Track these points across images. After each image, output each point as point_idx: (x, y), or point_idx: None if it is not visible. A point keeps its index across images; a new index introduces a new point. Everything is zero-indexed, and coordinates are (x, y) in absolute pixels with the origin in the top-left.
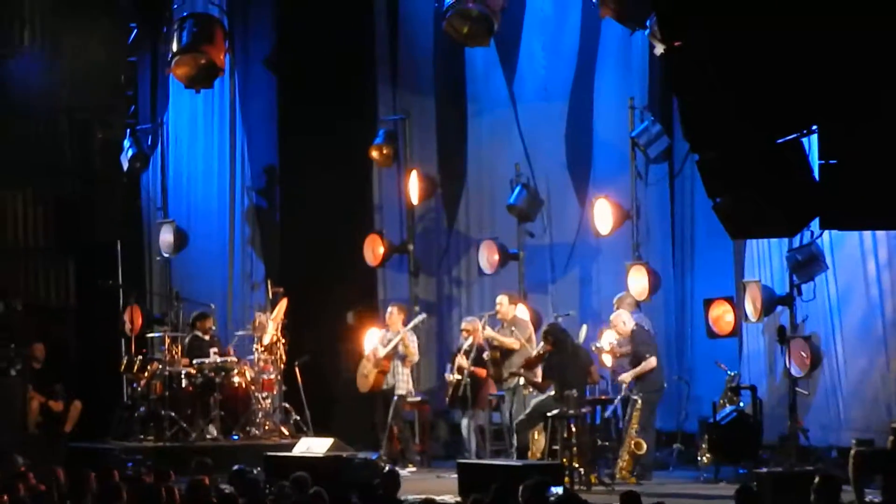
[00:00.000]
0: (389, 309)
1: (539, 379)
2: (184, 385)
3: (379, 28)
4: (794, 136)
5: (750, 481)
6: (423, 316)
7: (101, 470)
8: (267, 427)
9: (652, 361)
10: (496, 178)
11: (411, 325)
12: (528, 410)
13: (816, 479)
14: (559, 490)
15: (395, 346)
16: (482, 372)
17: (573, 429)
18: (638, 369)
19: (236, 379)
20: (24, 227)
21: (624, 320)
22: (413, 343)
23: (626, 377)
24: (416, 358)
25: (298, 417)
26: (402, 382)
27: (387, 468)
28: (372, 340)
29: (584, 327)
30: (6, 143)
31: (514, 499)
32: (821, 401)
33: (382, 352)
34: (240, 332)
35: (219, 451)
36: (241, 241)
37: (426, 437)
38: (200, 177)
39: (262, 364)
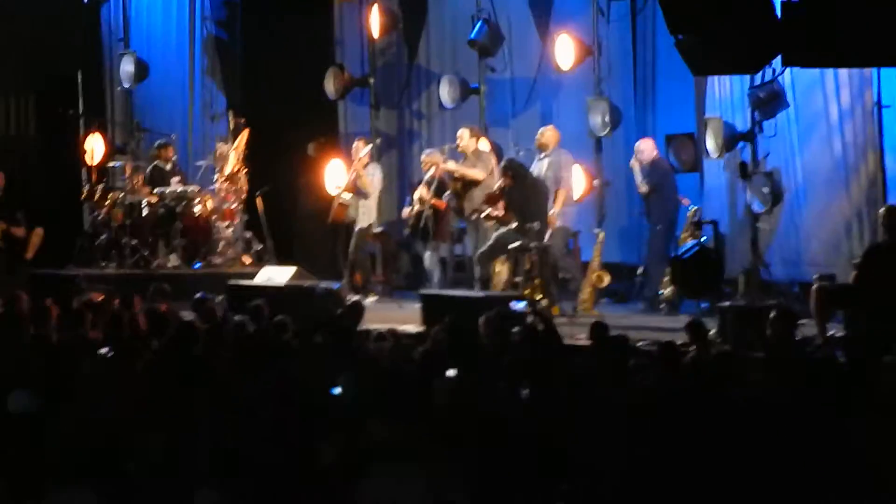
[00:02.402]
0: (355, 143)
1: (501, 213)
2: (144, 214)
3: None
4: None
5: (712, 315)
6: (368, 147)
7: (63, 296)
8: (229, 255)
9: (644, 187)
10: (457, 12)
11: (357, 159)
12: (489, 242)
13: (772, 313)
14: (521, 305)
15: (353, 180)
16: (442, 204)
17: (535, 260)
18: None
19: (198, 208)
20: None
21: (646, 148)
22: (371, 176)
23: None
24: (372, 190)
25: (260, 247)
26: (364, 215)
27: (350, 299)
28: (342, 174)
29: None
30: None
31: (472, 328)
32: (782, 236)
33: (343, 184)
34: (201, 163)
35: (181, 278)
36: (201, 72)
37: (388, 267)
38: (160, 7)
39: (223, 194)
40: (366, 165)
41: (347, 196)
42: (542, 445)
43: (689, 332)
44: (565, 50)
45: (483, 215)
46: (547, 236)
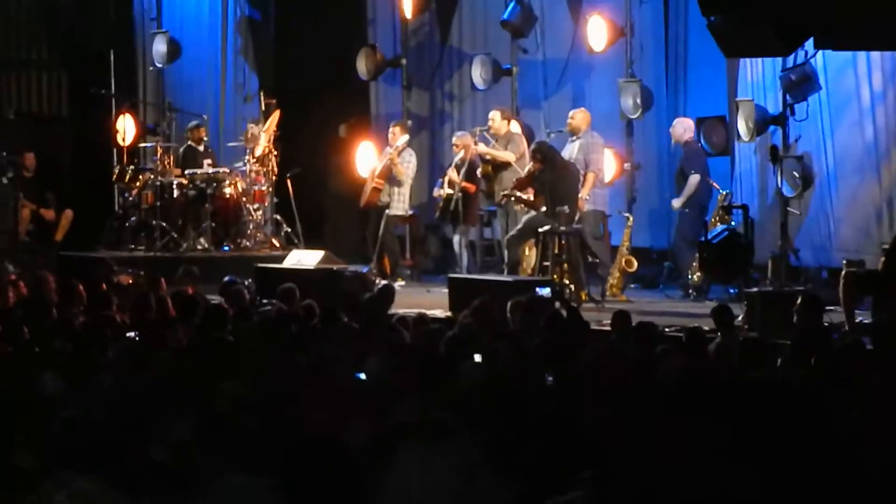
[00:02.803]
0: (391, 128)
1: (531, 197)
2: (175, 195)
3: None
4: None
5: (740, 301)
6: (405, 137)
7: (91, 278)
8: (258, 238)
9: (694, 179)
10: None
11: (394, 148)
12: (519, 226)
13: (799, 300)
14: (546, 291)
15: (388, 167)
16: (472, 187)
17: (564, 245)
18: (686, 191)
19: (228, 190)
20: (16, 36)
21: (684, 127)
22: (406, 163)
23: (678, 203)
24: (406, 178)
25: (289, 230)
26: (398, 202)
27: (380, 282)
28: (373, 157)
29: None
30: None
31: (501, 313)
32: (812, 221)
33: (378, 169)
34: (232, 144)
35: (210, 261)
36: (234, 52)
37: (416, 251)
38: None
39: (253, 175)
40: (400, 152)
41: (381, 181)
42: (567, 431)
43: (714, 318)
44: (597, 31)
45: (513, 199)
46: (577, 219)
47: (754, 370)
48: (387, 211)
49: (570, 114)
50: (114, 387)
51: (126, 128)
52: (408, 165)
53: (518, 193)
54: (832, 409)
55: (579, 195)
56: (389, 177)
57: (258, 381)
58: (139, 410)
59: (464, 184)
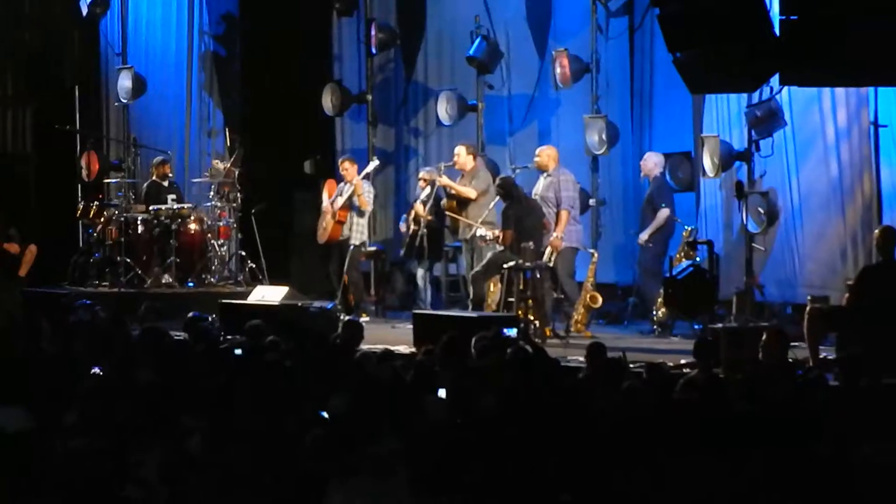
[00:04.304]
0: (342, 164)
1: (497, 233)
2: (139, 231)
3: None
4: None
5: (704, 336)
6: (375, 163)
7: (55, 314)
8: (222, 274)
9: (664, 213)
10: (456, 29)
11: (363, 173)
12: (484, 262)
13: (764, 335)
14: (513, 332)
15: (350, 197)
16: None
17: (528, 281)
18: (654, 224)
19: (192, 226)
20: None
21: (655, 162)
22: (367, 193)
23: (645, 236)
24: (369, 208)
25: (254, 265)
26: (358, 233)
27: (347, 318)
28: (329, 192)
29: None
30: None
31: (466, 349)
32: (777, 257)
33: (339, 202)
34: (196, 180)
35: (174, 297)
36: (199, 87)
37: (381, 287)
38: (159, 22)
39: (218, 211)
40: (364, 179)
41: (344, 214)
42: (540, 460)
43: (696, 353)
44: (563, 67)
45: (478, 234)
46: (553, 258)
47: (717, 406)
48: (350, 244)
49: (537, 151)
50: (82, 423)
51: (90, 163)
52: (369, 196)
53: (485, 232)
54: (794, 444)
55: (555, 234)
56: (352, 209)
57: (225, 417)
58: (109, 447)
59: (429, 218)
